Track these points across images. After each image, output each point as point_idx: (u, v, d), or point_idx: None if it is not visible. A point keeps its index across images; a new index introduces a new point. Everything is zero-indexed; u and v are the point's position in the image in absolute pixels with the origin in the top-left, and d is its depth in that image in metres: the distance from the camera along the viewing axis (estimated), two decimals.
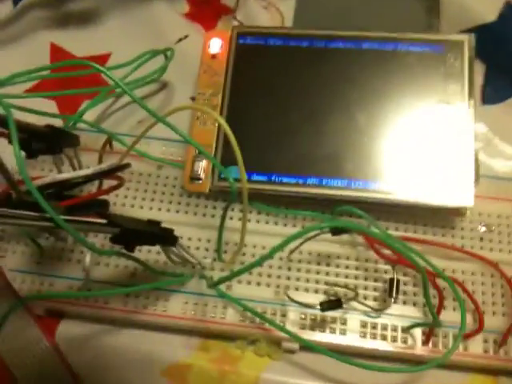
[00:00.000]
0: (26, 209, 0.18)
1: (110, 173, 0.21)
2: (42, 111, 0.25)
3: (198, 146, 0.23)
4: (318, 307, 0.23)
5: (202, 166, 0.27)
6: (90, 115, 0.29)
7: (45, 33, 0.33)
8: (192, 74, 0.30)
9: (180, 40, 0.32)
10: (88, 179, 0.21)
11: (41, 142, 0.22)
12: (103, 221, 0.20)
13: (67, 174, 0.20)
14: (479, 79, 0.31)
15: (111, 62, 0.32)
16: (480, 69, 0.31)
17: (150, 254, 0.26)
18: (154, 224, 0.22)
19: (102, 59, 0.32)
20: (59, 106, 0.31)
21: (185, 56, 0.31)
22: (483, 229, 0.26)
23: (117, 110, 0.31)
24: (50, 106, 0.30)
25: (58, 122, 0.28)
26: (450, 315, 0.24)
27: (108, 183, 0.23)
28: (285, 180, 0.26)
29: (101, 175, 0.21)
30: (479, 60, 0.31)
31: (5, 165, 0.19)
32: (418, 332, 0.24)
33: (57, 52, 0.32)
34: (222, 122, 0.21)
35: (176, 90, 0.31)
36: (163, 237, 0.21)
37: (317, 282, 0.25)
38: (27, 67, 0.24)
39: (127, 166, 0.22)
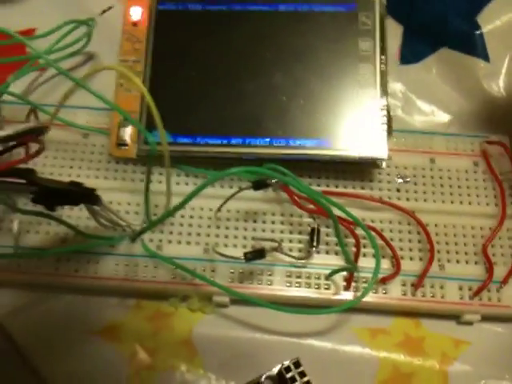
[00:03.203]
0: None
1: (26, 134, 0.21)
2: None
3: (120, 111, 0.23)
4: (243, 258, 0.24)
5: (128, 131, 0.27)
6: (16, 88, 0.29)
7: None
8: (117, 44, 0.30)
9: (104, 11, 0.33)
10: (4, 141, 0.21)
11: None
12: (22, 180, 0.20)
13: None
14: (397, 40, 0.32)
15: None
16: (398, 30, 0.32)
17: (80, 219, 0.26)
18: (76, 184, 0.22)
19: (27, 34, 0.32)
20: None
21: (109, 27, 0.31)
22: (400, 180, 0.27)
23: (43, 82, 0.31)
24: None
25: None
26: (370, 262, 0.25)
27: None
28: (209, 141, 0.26)
29: (17, 137, 0.21)
30: (397, 21, 0.32)
31: None
32: (339, 279, 0.25)
33: None
34: (138, 82, 0.22)
35: (102, 60, 0.31)
36: (84, 195, 0.22)
37: (244, 238, 0.26)
38: None
39: (45, 127, 0.22)
